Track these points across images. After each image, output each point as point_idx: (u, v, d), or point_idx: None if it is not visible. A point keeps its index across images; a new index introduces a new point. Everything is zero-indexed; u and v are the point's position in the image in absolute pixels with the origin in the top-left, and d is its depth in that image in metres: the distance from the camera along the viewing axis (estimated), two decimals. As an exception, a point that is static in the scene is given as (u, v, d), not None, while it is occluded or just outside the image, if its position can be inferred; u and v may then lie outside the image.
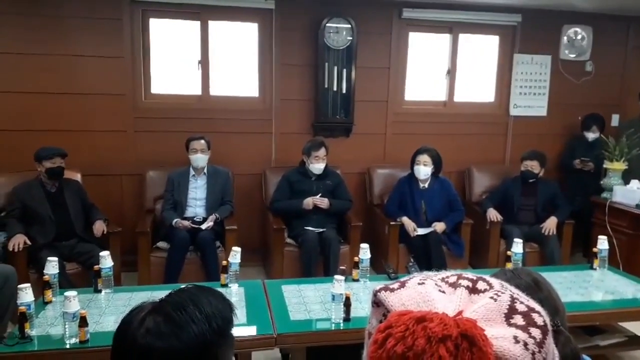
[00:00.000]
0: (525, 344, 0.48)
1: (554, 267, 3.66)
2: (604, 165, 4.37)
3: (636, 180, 4.12)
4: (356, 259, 2.97)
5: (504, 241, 4.11)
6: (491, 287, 0.54)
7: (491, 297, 0.52)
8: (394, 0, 4.44)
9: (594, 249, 3.26)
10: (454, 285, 0.54)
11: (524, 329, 0.49)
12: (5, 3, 3.89)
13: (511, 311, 0.51)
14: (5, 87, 3.98)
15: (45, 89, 4.03)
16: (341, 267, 3.03)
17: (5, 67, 3.96)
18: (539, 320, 0.51)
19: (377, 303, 0.55)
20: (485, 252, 4.22)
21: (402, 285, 0.55)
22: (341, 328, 2.41)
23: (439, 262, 3.79)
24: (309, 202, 3.89)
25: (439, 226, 3.99)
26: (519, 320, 0.50)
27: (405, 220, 4.00)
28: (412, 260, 3.46)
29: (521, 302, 0.52)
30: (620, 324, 3.05)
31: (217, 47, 4.38)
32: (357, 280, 2.94)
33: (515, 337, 0.48)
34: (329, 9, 4.29)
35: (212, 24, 4.32)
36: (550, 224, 4.10)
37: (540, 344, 0.49)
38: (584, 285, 3.02)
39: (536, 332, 0.50)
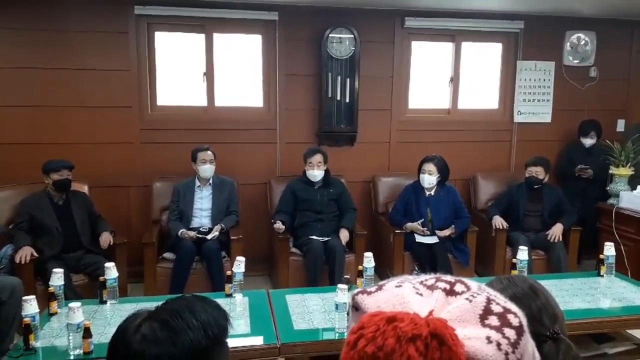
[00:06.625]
0: (499, 344, 0.48)
1: (561, 274, 3.62)
2: (610, 171, 4.33)
3: (643, 186, 4.09)
4: (360, 267, 2.96)
5: (510, 249, 4.07)
6: (469, 289, 0.53)
7: (466, 299, 0.52)
8: (396, 10, 4.46)
9: (601, 256, 3.22)
10: (432, 288, 0.54)
11: (498, 329, 0.49)
12: (12, 18, 3.97)
13: (486, 312, 0.51)
14: (14, 101, 4.05)
15: (52, 103, 4.10)
16: (345, 276, 3.02)
17: (14, 81, 4.03)
18: (514, 321, 0.51)
19: (355, 307, 0.55)
20: (491, 259, 4.19)
21: (380, 288, 0.55)
22: (345, 337, 2.40)
23: (445, 270, 3.76)
24: (279, 226, 3.79)
25: (442, 233, 3.96)
26: (493, 321, 0.50)
27: (409, 225, 3.98)
28: (416, 268, 3.46)
29: (497, 304, 0.52)
30: (629, 331, 3.01)
31: (222, 58, 4.42)
32: (362, 289, 2.93)
33: (488, 338, 0.48)
34: (331, 19, 4.32)
35: (216, 36, 4.38)
36: (556, 231, 4.06)
37: (515, 345, 0.49)
38: (591, 292, 2.99)
39: (510, 333, 0.49)
